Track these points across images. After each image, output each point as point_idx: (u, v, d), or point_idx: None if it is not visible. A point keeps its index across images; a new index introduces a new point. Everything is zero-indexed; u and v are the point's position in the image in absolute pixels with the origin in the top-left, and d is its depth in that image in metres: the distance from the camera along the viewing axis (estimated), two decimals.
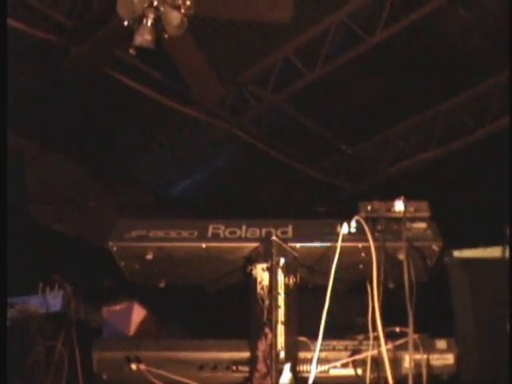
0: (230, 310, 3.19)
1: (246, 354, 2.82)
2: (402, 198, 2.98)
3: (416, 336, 2.85)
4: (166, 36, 4.78)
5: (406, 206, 2.96)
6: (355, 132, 7.50)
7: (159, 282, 3.09)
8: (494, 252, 3.98)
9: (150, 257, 2.89)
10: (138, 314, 3.06)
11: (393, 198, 3.02)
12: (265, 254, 2.83)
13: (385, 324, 2.85)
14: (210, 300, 3.29)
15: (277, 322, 2.74)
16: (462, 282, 3.75)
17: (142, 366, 2.78)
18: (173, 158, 8.00)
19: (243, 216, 3.04)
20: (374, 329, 2.79)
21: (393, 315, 2.90)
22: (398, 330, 2.93)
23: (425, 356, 2.85)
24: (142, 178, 8.42)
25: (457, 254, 3.91)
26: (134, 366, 2.79)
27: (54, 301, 3.59)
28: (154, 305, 3.19)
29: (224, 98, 6.72)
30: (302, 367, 2.83)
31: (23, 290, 3.78)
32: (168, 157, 8.00)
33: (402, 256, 2.87)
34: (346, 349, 2.89)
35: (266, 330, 2.74)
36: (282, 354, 2.72)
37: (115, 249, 2.90)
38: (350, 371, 2.87)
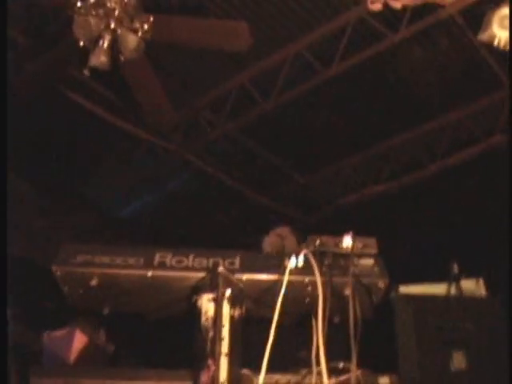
0: (175, 340, 3.15)
1: None
2: (351, 233, 2.99)
3: (359, 372, 2.85)
4: (122, 58, 4.75)
5: (353, 242, 2.97)
6: (308, 162, 7.54)
7: (103, 308, 3.04)
8: (440, 288, 4.02)
9: (94, 283, 2.84)
10: (80, 340, 2.99)
11: (342, 231, 3.02)
12: (211, 284, 2.81)
13: (329, 359, 2.85)
14: (155, 329, 3.25)
15: (220, 353, 2.71)
16: (406, 318, 3.75)
17: None
18: (124, 179, 7.93)
19: (192, 242, 3.01)
20: (318, 364, 2.78)
21: (338, 350, 2.90)
22: (341, 365, 2.93)
23: None
24: (91, 199, 8.33)
25: (403, 289, 3.93)
26: None
27: None
28: (97, 332, 3.12)
29: (178, 123, 6.70)
30: None
31: None
32: (119, 178, 7.93)
33: (348, 291, 2.88)
34: (288, 383, 2.87)
35: (209, 361, 2.71)
36: None
37: (59, 273, 2.84)
38: None
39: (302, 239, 3.98)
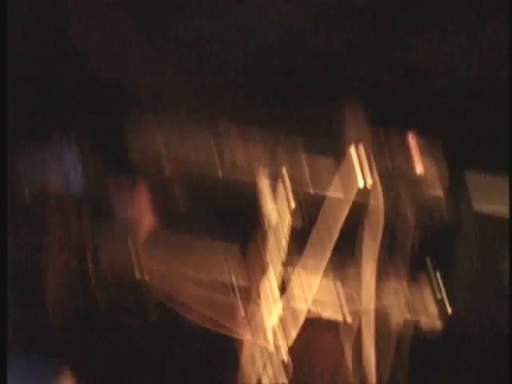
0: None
1: (245, 282, 2.93)
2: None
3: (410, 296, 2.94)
4: None
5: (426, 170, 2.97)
6: None
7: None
8: None
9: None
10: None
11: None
12: (274, 192, 2.88)
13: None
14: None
15: (277, 263, 2.85)
16: (473, 234, 3.73)
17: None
18: None
19: None
20: None
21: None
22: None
23: (413, 316, 2.95)
24: None
25: (476, 206, 3.86)
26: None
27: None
28: None
29: None
30: (295, 304, 2.93)
31: None
32: None
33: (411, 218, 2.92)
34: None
35: (267, 268, 2.84)
36: (277, 294, 2.84)
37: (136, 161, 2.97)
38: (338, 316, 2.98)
39: None
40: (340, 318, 2.97)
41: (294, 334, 2.77)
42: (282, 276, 2.87)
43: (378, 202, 2.84)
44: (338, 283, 3.00)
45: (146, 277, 2.92)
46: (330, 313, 2.96)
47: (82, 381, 3.21)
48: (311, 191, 2.92)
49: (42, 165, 3.36)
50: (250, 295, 2.88)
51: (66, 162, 3.40)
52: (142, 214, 3.17)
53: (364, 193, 2.88)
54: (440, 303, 3.05)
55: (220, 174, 2.95)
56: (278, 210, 2.86)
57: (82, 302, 3.53)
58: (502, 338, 3.08)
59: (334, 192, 2.91)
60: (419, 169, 2.95)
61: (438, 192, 2.94)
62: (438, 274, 3.49)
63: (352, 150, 2.94)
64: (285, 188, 2.87)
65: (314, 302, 2.92)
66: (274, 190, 2.89)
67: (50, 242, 3.54)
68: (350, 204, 2.82)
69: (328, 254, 2.77)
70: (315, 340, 3.19)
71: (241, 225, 3.05)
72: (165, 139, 2.95)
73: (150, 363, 3.80)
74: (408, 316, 2.93)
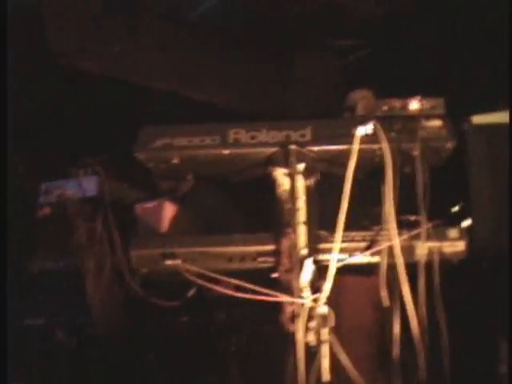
0: (255, 202, 3.36)
1: (270, 247, 3.05)
2: (419, 96, 3.05)
3: (429, 225, 3.03)
4: None
5: (421, 105, 3.03)
6: None
7: (185, 176, 3.27)
8: None
9: (175, 161, 3.07)
10: (170, 210, 3.23)
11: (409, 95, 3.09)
12: (284, 159, 2.97)
13: (401, 213, 3.04)
14: (234, 194, 3.47)
15: (298, 223, 2.93)
16: (480, 149, 3.81)
17: (177, 262, 3.05)
18: None
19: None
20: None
21: (411, 204, 3.05)
22: (412, 218, 3.11)
23: (437, 244, 3.05)
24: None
25: (476, 120, 3.93)
26: (169, 262, 3.06)
27: (89, 186, 3.72)
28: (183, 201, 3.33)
29: None
30: (323, 257, 3.04)
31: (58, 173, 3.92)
32: None
33: (416, 153, 3.00)
34: (363, 239, 3.09)
35: (289, 230, 2.94)
36: (304, 251, 2.94)
37: (142, 157, 3.07)
38: (367, 259, 3.09)
39: None
40: (369, 260, 3.08)
41: (328, 284, 2.87)
42: (306, 235, 2.97)
43: (382, 145, 2.92)
44: (361, 228, 3.11)
45: (178, 260, 3.05)
46: (358, 258, 3.07)
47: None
48: (316, 149, 3.02)
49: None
50: (279, 259, 2.99)
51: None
52: (164, 205, 3.29)
53: (367, 139, 2.96)
54: (461, 230, 3.15)
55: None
56: (290, 174, 2.96)
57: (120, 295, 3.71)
58: None
59: (340, 146, 3.01)
60: (414, 105, 3.04)
61: (437, 122, 3.02)
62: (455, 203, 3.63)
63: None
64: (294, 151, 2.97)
65: (342, 250, 3.02)
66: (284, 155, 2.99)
67: (78, 245, 3.70)
68: (356, 152, 2.90)
69: (346, 202, 2.86)
70: (349, 286, 3.32)
71: (261, 193, 3.17)
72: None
73: (196, 336, 3.98)
74: (431, 246, 3.04)
